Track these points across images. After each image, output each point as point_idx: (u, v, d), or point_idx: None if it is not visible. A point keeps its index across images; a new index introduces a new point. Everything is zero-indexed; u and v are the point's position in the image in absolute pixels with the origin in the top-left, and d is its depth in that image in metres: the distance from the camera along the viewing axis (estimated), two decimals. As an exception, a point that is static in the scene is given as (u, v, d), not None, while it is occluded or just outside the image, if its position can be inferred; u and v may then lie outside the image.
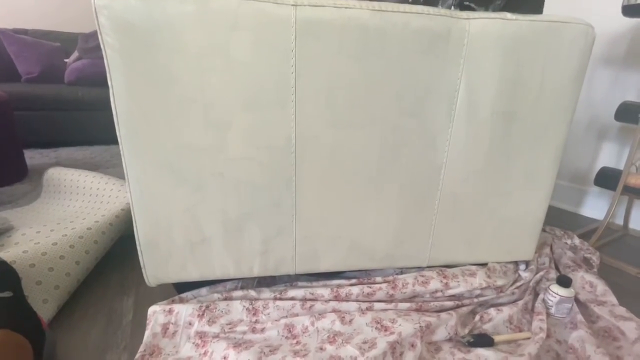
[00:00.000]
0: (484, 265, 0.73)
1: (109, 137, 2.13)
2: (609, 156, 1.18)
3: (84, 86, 2.05)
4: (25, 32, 2.20)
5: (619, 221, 1.14)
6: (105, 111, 2.24)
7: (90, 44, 2.11)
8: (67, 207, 0.99)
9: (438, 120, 0.59)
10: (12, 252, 0.63)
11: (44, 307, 0.60)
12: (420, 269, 0.71)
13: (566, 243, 0.93)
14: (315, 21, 0.50)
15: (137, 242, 0.58)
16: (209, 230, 0.59)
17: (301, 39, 0.51)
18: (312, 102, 0.55)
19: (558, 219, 1.20)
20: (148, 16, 0.47)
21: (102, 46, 0.48)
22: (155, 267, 0.60)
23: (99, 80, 2.10)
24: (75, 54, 2.14)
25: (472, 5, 0.59)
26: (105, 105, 2.19)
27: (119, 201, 0.90)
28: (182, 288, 0.66)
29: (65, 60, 2.19)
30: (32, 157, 1.78)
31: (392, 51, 0.53)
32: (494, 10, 0.61)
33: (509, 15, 0.56)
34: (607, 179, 0.99)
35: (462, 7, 0.59)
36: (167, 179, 0.55)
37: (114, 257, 0.82)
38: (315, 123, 0.56)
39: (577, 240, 0.93)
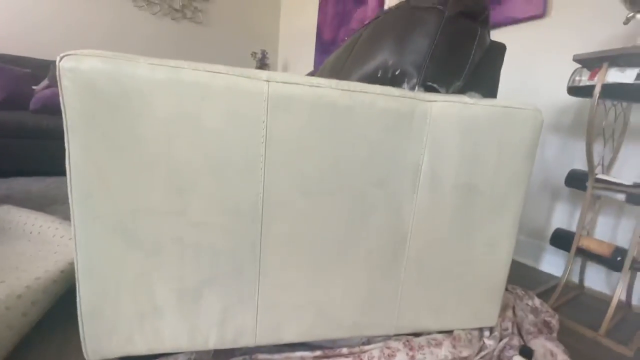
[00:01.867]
0: (449, 333, 0.72)
1: (70, 168, 2.02)
2: (562, 215, 1.26)
3: (50, 114, 1.97)
4: (-8, 56, 2.13)
5: (575, 278, 1.19)
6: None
7: (62, 73, 2.06)
8: (11, 252, 0.89)
9: (403, 190, 0.61)
10: None
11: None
12: (387, 337, 0.69)
13: (527, 304, 0.95)
14: (287, 96, 0.51)
15: (78, 312, 0.53)
16: (162, 298, 0.55)
17: (273, 111, 0.52)
18: (281, 170, 0.55)
19: (517, 274, 1.24)
20: (116, 80, 0.46)
21: (62, 107, 0.46)
22: (98, 340, 0.54)
23: (67, 109, 2.03)
24: (45, 82, 2.08)
25: (435, 85, 0.64)
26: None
27: (67, 252, 0.83)
28: (126, 361, 0.60)
29: (34, 87, 2.11)
30: (-20, 188, 1.64)
31: (360, 127, 0.55)
32: (454, 90, 0.67)
33: (467, 99, 0.61)
34: (561, 240, 1.04)
35: (426, 87, 0.63)
36: (121, 243, 0.51)
37: (57, 314, 0.73)
38: (283, 190, 0.56)
39: (537, 302, 0.96)
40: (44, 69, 2.15)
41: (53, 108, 1.97)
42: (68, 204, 1.58)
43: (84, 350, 0.54)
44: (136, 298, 0.54)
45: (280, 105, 0.51)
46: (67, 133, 0.47)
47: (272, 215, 0.56)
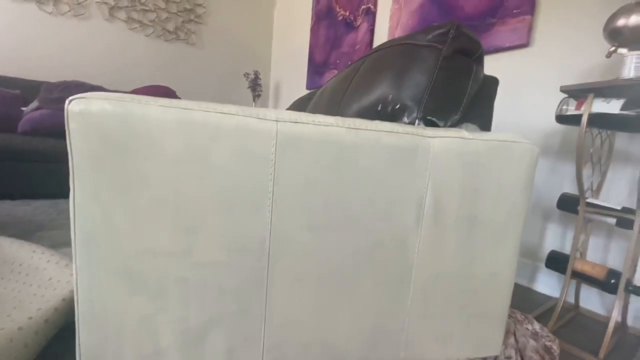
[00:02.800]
0: (455, 364, 0.72)
1: (57, 191, 1.97)
2: (554, 236, 1.29)
3: (40, 136, 1.93)
4: (-19, 78, 2.10)
5: (570, 299, 1.21)
6: (58, 163, 2.11)
7: (54, 94, 2.04)
8: (2, 290, 0.85)
9: (408, 224, 0.62)
10: None
11: None
12: (392, 371, 0.68)
13: (527, 329, 0.95)
14: (296, 135, 0.52)
15: (77, 357, 0.50)
16: (166, 341, 0.53)
17: (281, 149, 0.52)
18: (289, 206, 0.55)
19: (514, 295, 1.25)
20: (125, 123, 0.46)
21: (69, 149, 0.46)
22: (96, 388, 0.51)
23: (57, 131, 2.00)
24: (35, 103, 2.05)
25: (434, 119, 0.66)
26: (59, 158, 2.06)
27: (60, 287, 0.80)
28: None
29: (23, 108, 2.08)
30: (-38, 214, 1.58)
31: (365, 163, 0.56)
32: (452, 123, 0.69)
33: (466, 134, 0.63)
34: (556, 263, 1.06)
35: (425, 121, 0.65)
36: (124, 286, 0.50)
37: (47, 355, 0.69)
38: (290, 226, 0.56)
39: (537, 326, 0.96)
40: (34, 90, 2.12)
41: (42, 130, 1.94)
42: (56, 229, 1.53)
43: (80, 400, 0.52)
44: (139, 342, 0.52)
45: (288, 144, 0.52)
46: (73, 175, 0.46)
47: (279, 252, 0.56)
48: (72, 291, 0.78)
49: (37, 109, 2.02)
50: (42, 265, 0.88)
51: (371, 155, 0.56)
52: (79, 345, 0.50)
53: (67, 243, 1.37)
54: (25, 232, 1.46)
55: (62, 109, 2.02)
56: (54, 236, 1.45)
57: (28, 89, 2.19)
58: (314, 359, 0.61)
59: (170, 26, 2.89)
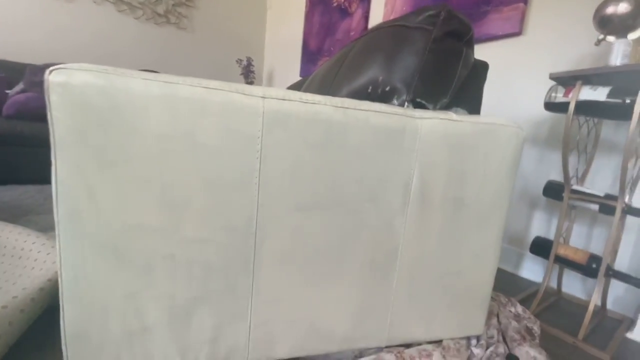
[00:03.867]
0: (439, 343, 0.73)
1: (44, 176, 1.94)
2: (540, 223, 1.32)
3: (25, 120, 1.88)
4: (-38, 59, 2.02)
5: (553, 284, 1.24)
6: (45, 148, 2.06)
7: (39, 77, 1.99)
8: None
9: (394, 205, 0.62)
10: None
11: None
12: (379, 349, 0.70)
13: (510, 311, 0.98)
14: (283, 113, 0.52)
15: (62, 335, 0.50)
16: (152, 317, 0.53)
17: (268, 127, 0.52)
18: (276, 185, 0.55)
19: (499, 280, 1.28)
20: (108, 95, 0.45)
21: (49, 122, 0.45)
22: (82, 363, 0.52)
23: (43, 115, 1.95)
24: (20, 86, 1.99)
25: (423, 102, 0.66)
26: (44, 142, 2.01)
27: (47, 267, 0.79)
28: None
29: (7, 91, 2.02)
30: (-55, 198, 1.55)
31: (353, 143, 0.56)
32: (441, 107, 0.69)
33: (454, 116, 0.63)
34: (540, 248, 1.09)
35: (414, 103, 0.65)
36: (109, 262, 0.50)
37: (32, 336, 0.69)
38: (277, 205, 0.56)
39: (519, 308, 0.99)
40: (19, 73, 2.06)
41: (28, 114, 1.89)
42: (43, 214, 1.51)
43: (67, 375, 0.52)
44: (125, 319, 0.52)
45: (275, 121, 0.52)
46: (55, 149, 0.45)
47: (266, 230, 0.56)
48: (57, 272, 0.77)
49: (22, 91, 1.96)
50: (28, 247, 0.87)
51: (359, 135, 0.56)
52: (64, 321, 0.50)
53: (54, 227, 1.35)
54: (12, 217, 1.44)
55: (48, 92, 1.97)
56: (41, 221, 1.43)
57: (12, 72, 2.12)
58: (300, 336, 0.62)
59: (161, 9, 2.81)
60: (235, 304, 0.57)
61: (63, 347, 0.51)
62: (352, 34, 2.30)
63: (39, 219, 1.45)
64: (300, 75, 2.89)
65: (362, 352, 0.70)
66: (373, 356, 0.66)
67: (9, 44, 2.27)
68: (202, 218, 0.52)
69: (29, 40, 2.33)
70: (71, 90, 0.44)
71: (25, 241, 0.90)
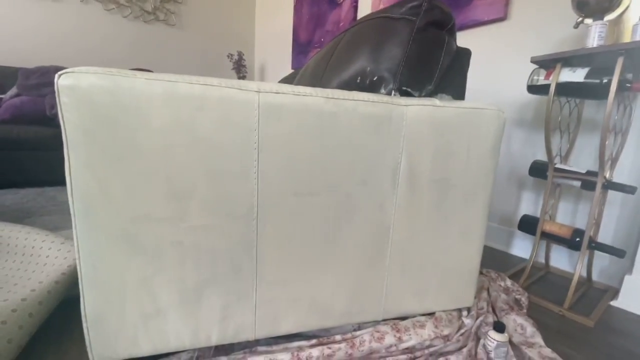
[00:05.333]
0: (431, 315, 0.79)
1: (44, 179, 1.96)
2: (528, 202, 1.38)
3: (21, 124, 1.90)
4: (-47, 64, 2.02)
5: (542, 259, 1.30)
6: (42, 151, 2.07)
7: (31, 80, 1.99)
8: (2, 267, 0.88)
9: (385, 188, 0.67)
10: None
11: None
12: (376, 322, 0.75)
13: (500, 285, 1.04)
14: (277, 105, 0.56)
15: (83, 319, 0.55)
16: (165, 300, 0.58)
17: (264, 119, 0.56)
18: (274, 173, 0.59)
19: (490, 258, 1.34)
20: (114, 95, 0.49)
21: (61, 122, 0.48)
22: (103, 345, 0.56)
23: (38, 118, 1.96)
24: (14, 90, 2.00)
25: (409, 90, 0.70)
26: (42, 145, 2.03)
27: (59, 263, 0.83)
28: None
29: (1, 96, 2.02)
30: (-53, 204, 1.57)
31: (344, 131, 0.61)
32: (427, 94, 0.73)
33: (437, 102, 0.67)
34: (527, 225, 1.14)
35: (401, 92, 0.69)
36: (123, 250, 0.54)
37: (50, 327, 0.74)
38: (276, 192, 0.60)
39: (508, 282, 1.05)
40: (12, 77, 2.06)
41: (23, 118, 1.90)
42: (46, 216, 1.54)
43: (90, 356, 0.56)
44: (140, 302, 0.56)
45: (270, 113, 0.56)
46: (67, 147, 0.49)
47: (266, 216, 0.60)
48: (70, 266, 0.81)
49: (16, 95, 1.97)
50: (38, 245, 0.91)
51: (349, 123, 0.60)
52: (84, 306, 0.54)
53: (58, 228, 1.38)
54: (16, 219, 1.47)
55: (42, 95, 1.98)
56: (45, 222, 1.46)
57: (5, 76, 2.12)
58: (302, 312, 0.67)
59: (149, 6, 2.79)
60: (241, 285, 0.62)
61: (85, 331, 0.55)
62: (341, 24, 2.32)
63: (42, 220, 1.49)
64: (292, 68, 2.90)
65: (360, 326, 0.75)
66: (370, 328, 0.72)
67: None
68: (206, 206, 0.57)
69: (17, 43, 2.32)
70: (79, 92, 0.47)
71: (35, 240, 0.93)
